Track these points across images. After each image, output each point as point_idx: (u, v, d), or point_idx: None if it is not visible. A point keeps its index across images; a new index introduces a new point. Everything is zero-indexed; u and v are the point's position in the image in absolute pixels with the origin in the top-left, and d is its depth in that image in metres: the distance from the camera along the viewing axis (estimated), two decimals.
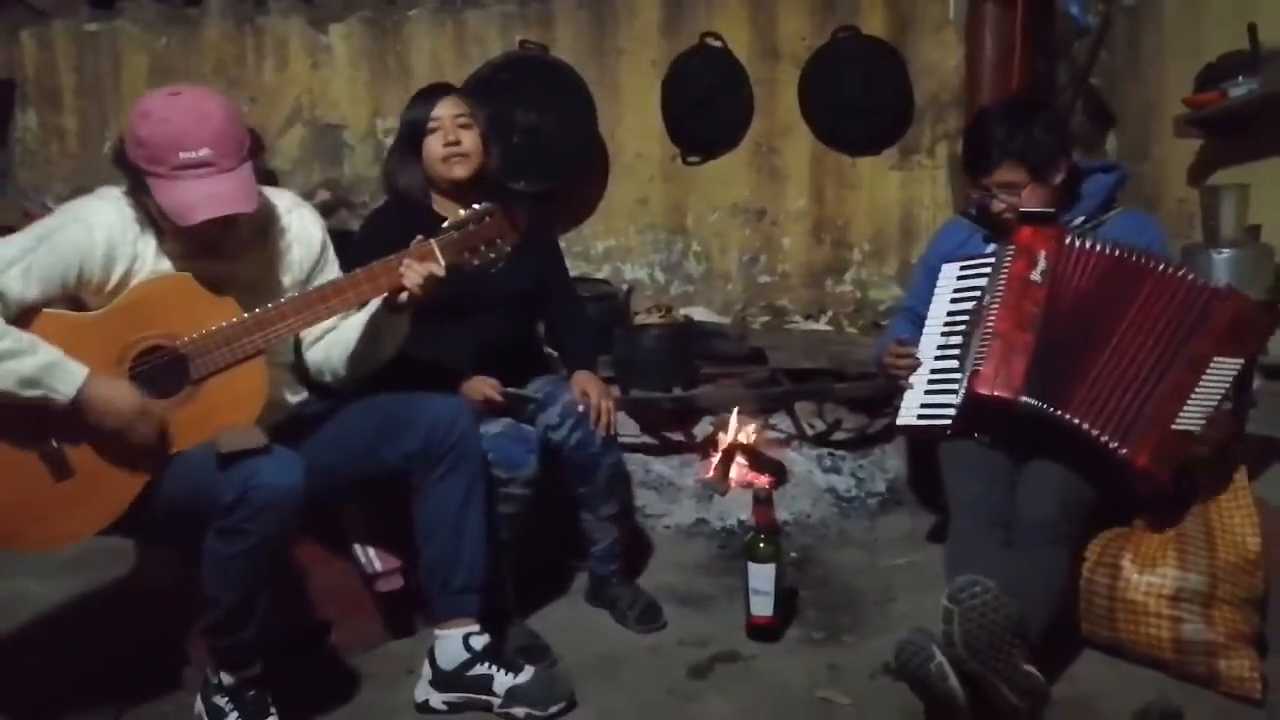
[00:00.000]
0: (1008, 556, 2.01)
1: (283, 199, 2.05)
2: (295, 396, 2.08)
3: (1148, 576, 2.04)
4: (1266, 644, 2.04)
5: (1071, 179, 2.32)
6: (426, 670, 2.03)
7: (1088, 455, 2.07)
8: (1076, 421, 2.02)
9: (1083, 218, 2.30)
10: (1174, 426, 1.99)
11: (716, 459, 3.20)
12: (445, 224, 1.93)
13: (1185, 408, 2.00)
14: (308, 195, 3.64)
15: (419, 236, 1.91)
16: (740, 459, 3.21)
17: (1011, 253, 2.18)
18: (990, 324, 2.14)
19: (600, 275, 3.90)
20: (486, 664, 1.99)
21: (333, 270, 2.09)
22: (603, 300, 3.54)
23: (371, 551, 2.26)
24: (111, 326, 1.78)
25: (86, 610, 2.41)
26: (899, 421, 2.34)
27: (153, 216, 1.82)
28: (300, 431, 2.01)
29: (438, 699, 2.01)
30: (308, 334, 2.07)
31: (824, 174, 3.95)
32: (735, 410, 3.17)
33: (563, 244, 3.77)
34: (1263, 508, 2.06)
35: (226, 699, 1.85)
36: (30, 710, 1.99)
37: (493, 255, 1.94)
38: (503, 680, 1.97)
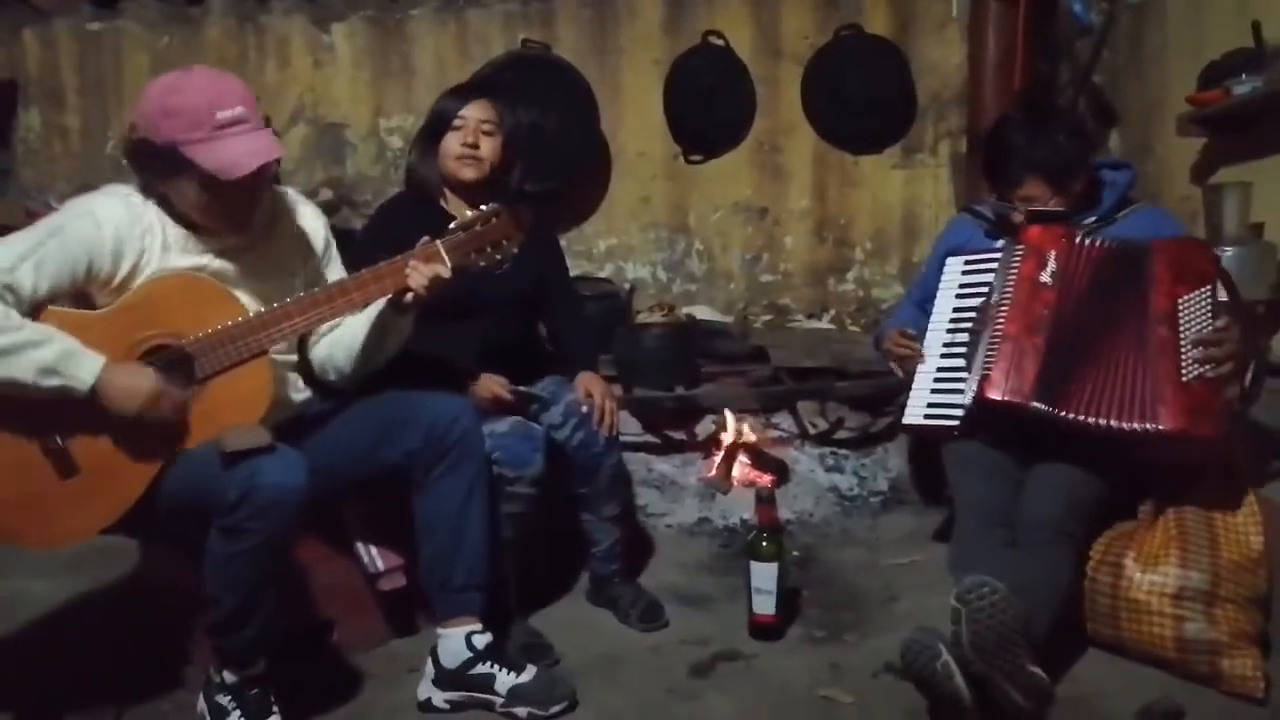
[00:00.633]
0: (1012, 556, 2.01)
1: (287, 196, 2.06)
2: (299, 395, 2.08)
3: (1150, 575, 2.03)
4: (1270, 643, 2.03)
5: (1090, 183, 2.30)
6: (429, 669, 2.03)
7: (1093, 454, 2.06)
8: (1092, 420, 2.01)
9: (1094, 218, 2.29)
10: (1184, 379, 1.98)
11: (719, 458, 3.20)
12: (452, 225, 1.93)
13: (1182, 358, 1.99)
14: (310, 194, 3.63)
15: (425, 238, 1.91)
16: (742, 458, 3.21)
17: (1020, 252, 2.17)
18: (999, 326, 2.13)
19: (602, 274, 3.90)
20: (489, 663, 1.99)
21: (336, 267, 2.10)
22: (605, 299, 3.54)
23: (374, 550, 2.26)
24: (118, 324, 1.78)
25: (88, 609, 2.41)
26: (905, 421, 2.33)
27: (173, 206, 1.84)
28: (303, 430, 2.01)
29: (440, 698, 2.01)
30: (311, 333, 2.08)
31: (826, 173, 3.95)
32: (726, 410, 3.17)
33: (565, 243, 3.78)
34: (1266, 506, 2.06)
35: (229, 697, 1.84)
36: (32, 709, 1.99)
37: (499, 256, 1.94)
38: (505, 679, 1.97)
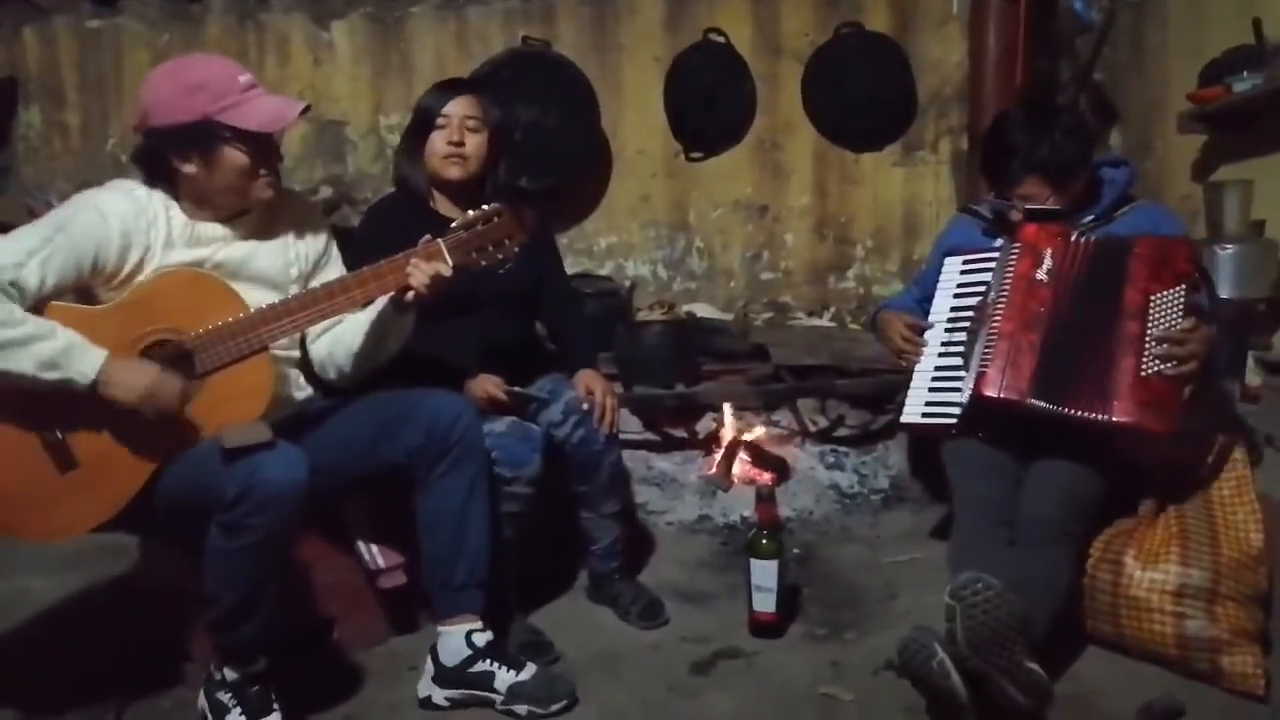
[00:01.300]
0: (1011, 554, 2.01)
1: (288, 194, 2.08)
2: (301, 393, 2.09)
3: (1151, 573, 2.04)
4: (1270, 640, 2.04)
5: (1089, 181, 2.30)
6: (429, 666, 2.03)
7: (1093, 451, 2.06)
8: (1071, 413, 2.02)
9: (1092, 216, 2.29)
10: (1144, 374, 2.00)
11: (719, 455, 3.20)
12: (454, 224, 1.93)
13: (1145, 354, 2.01)
14: (310, 192, 3.65)
15: (427, 236, 1.91)
16: (743, 455, 3.21)
17: (1017, 250, 2.18)
18: (996, 324, 2.13)
19: (602, 272, 3.89)
20: (488, 661, 1.99)
21: (336, 265, 2.10)
22: (605, 297, 3.53)
23: (374, 548, 2.27)
24: (119, 320, 1.78)
25: (88, 607, 2.41)
26: (903, 420, 2.33)
27: (188, 194, 1.88)
28: (304, 427, 2.01)
29: (440, 695, 2.01)
30: (312, 330, 2.08)
31: (827, 170, 3.94)
32: (726, 406, 3.17)
33: (565, 241, 3.80)
34: (1266, 504, 2.06)
35: (229, 695, 1.85)
36: (32, 707, 1.99)
37: (500, 256, 1.94)
38: (505, 677, 1.97)
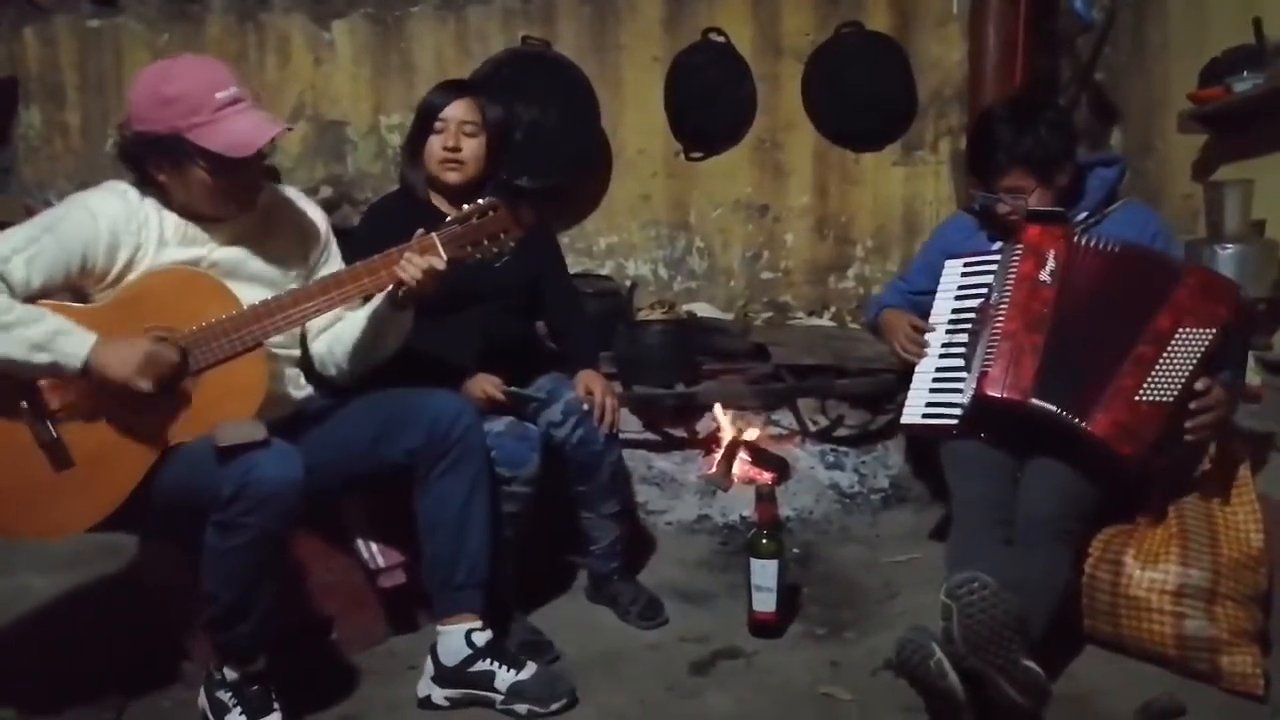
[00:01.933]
0: (1009, 553, 2.01)
1: (287, 193, 2.08)
2: (300, 392, 2.09)
3: (1150, 573, 2.03)
4: (1270, 640, 2.03)
5: (1076, 175, 2.32)
6: (428, 666, 2.03)
7: (1090, 452, 2.06)
8: (1065, 415, 2.01)
9: (1085, 213, 2.30)
10: (1138, 399, 1.99)
11: (719, 455, 3.20)
12: (449, 218, 1.93)
13: (1148, 380, 1.99)
14: (310, 191, 3.64)
15: (420, 230, 1.91)
16: (743, 455, 3.21)
17: (1019, 252, 2.18)
18: (998, 324, 2.13)
19: (603, 271, 3.90)
20: (488, 660, 1.99)
21: (336, 263, 2.10)
22: (605, 297, 3.53)
23: (374, 547, 2.27)
24: (112, 318, 1.78)
25: (87, 606, 2.40)
26: (904, 421, 2.34)
27: (173, 199, 1.86)
28: (304, 426, 2.01)
29: (440, 695, 2.01)
30: (311, 327, 2.08)
31: (827, 170, 3.94)
32: (717, 405, 3.17)
33: (565, 240, 3.80)
34: (1266, 504, 2.06)
35: (229, 694, 1.85)
36: (32, 705, 1.99)
37: (496, 250, 1.93)
38: (504, 677, 1.97)
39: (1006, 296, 2.16)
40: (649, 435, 3.20)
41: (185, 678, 2.07)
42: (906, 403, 2.33)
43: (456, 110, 2.35)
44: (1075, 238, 2.16)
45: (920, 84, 3.85)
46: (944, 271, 2.38)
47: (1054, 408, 2.02)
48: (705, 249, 3.99)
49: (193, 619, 1.93)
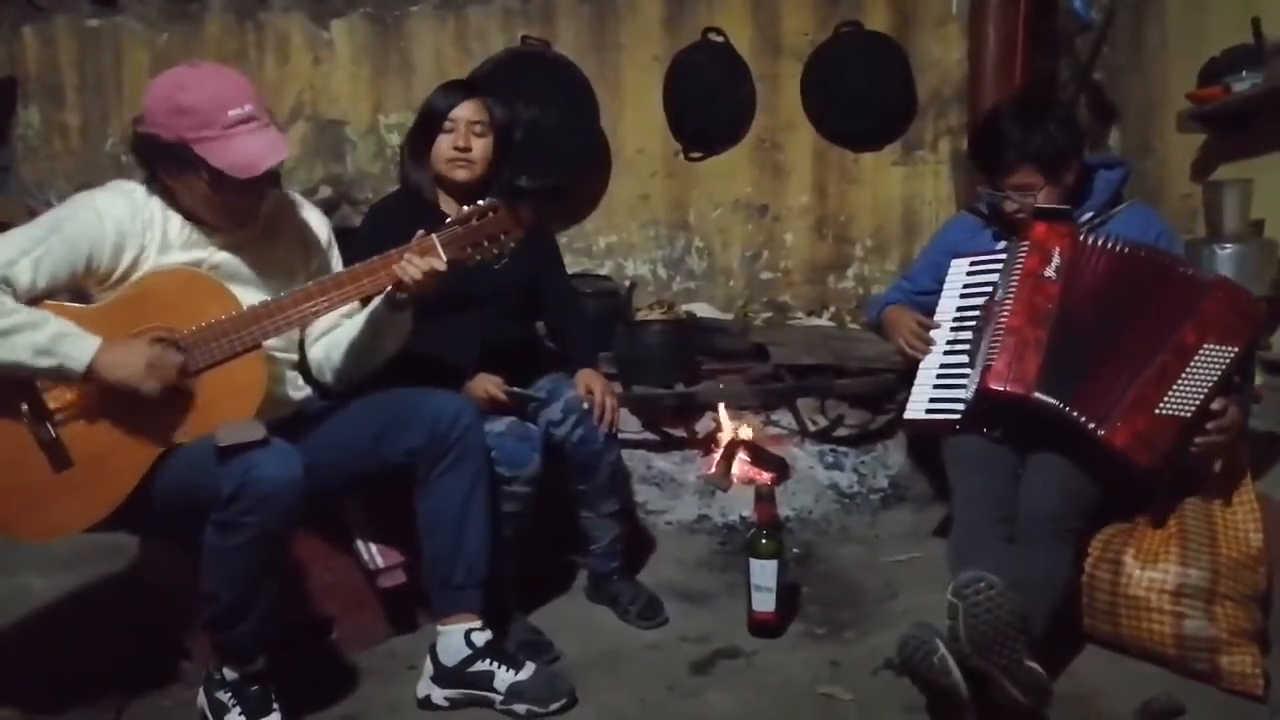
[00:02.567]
0: (1011, 551, 2.01)
1: (290, 196, 2.08)
2: (299, 393, 2.09)
3: (1150, 572, 2.04)
4: (1269, 640, 2.04)
5: (1080, 175, 2.32)
6: (428, 666, 2.03)
7: (1091, 449, 2.06)
8: (1074, 414, 2.01)
9: (1091, 213, 2.31)
10: (1158, 411, 1.98)
11: (718, 455, 3.20)
12: (448, 220, 1.93)
13: (1171, 393, 1.99)
14: (309, 191, 3.64)
15: (420, 231, 1.91)
16: (742, 455, 3.21)
17: (1025, 248, 2.17)
18: (1003, 319, 2.13)
19: (602, 271, 3.89)
20: (488, 660, 1.99)
21: (338, 267, 2.09)
22: (604, 296, 3.53)
23: (374, 547, 2.27)
24: (112, 318, 1.78)
25: (87, 606, 2.40)
26: (907, 415, 2.34)
27: (178, 201, 1.86)
28: (304, 427, 2.01)
29: (439, 695, 2.01)
30: (310, 331, 2.08)
31: (826, 170, 3.94)
32: (721, 406, 3.17)
33: (564, 240, 3.80)
34: (1266, 504, 2.06)
35: (229, 694, 1.85)
36: (32, 705, 1.99)
37: (496, 251, 1.94)
38: (504, 677, 1.97)
39: (1011, 292, 2.15)
40: (648, 435, 3.20)
41: (185, 678, 2.07)
42: (910, 398, 2.33)
43: (466, 110, 2.35)
44: (1081, 236, 2.16)
45: (919, 84, 3.85)
46: (949, 270, 2.39)
47: (1069, 410, 2.01)
48: (704, 249, 3.99)
49: (193, 619, 1.93)
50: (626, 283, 3.85)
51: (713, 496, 3.15)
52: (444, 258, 1.89)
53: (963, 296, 2.33)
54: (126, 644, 2.13)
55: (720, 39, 3.80)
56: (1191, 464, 2.07)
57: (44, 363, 1.67)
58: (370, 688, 2.10)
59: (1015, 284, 2.15)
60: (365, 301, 2.02)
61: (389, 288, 1.91)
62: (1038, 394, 2.04)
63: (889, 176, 3.94)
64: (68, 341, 1.69)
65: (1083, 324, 2.09)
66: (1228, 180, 2.79)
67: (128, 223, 1.82)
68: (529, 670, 1.99)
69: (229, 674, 1.85)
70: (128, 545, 2.31)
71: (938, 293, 2.41)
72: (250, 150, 1.79)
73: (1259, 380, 2.50)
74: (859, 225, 3.98)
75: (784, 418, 3.28)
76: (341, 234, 2.20)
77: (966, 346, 2.23)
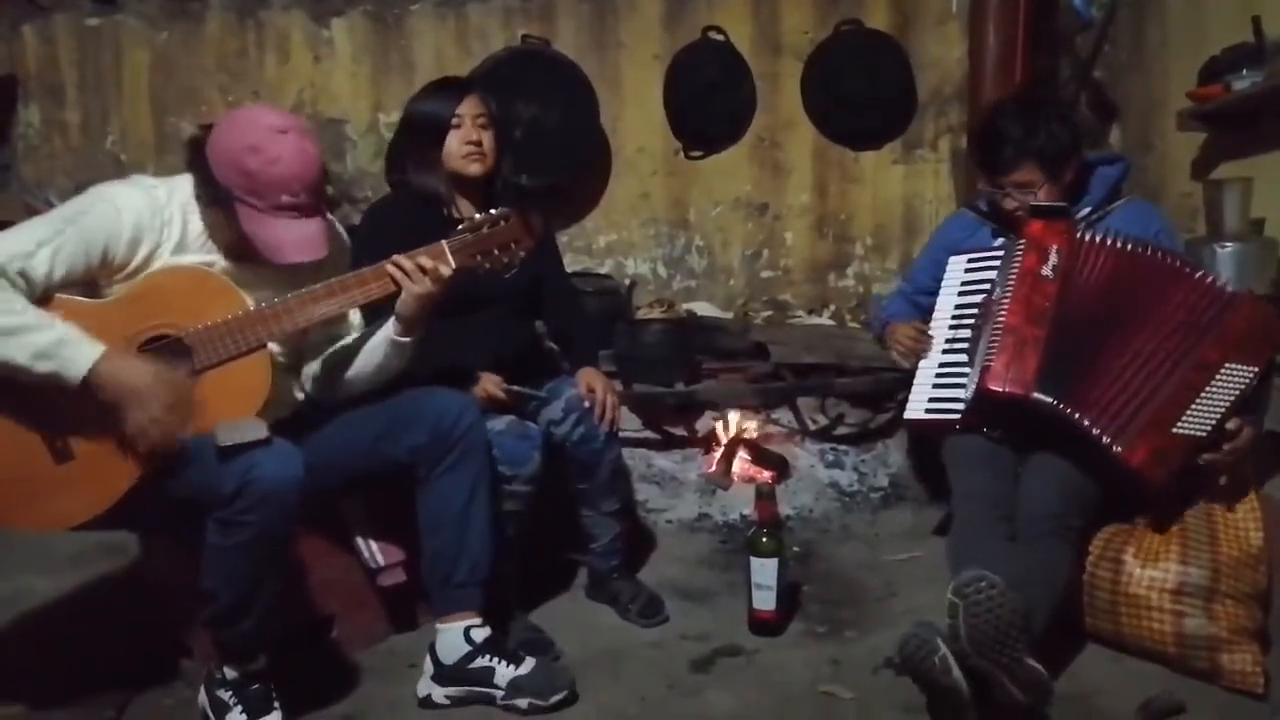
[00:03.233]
0: (1011, 550, 2.01)
1: None
2: (301, 394, 2.09)
3: (1150, 571, 2.04)
4: (1269, 638, 2.04)
5: (1080, 172, 2.32)
6: (428, 665, 2.03)
7: (1092, 449, 2.06)
8: (1078, 417, 2.01)
9: (1088, 209, 2.30)
10: (1175, 430, 1.98)
11: (719, 454, 3.20)
12: (460, 226, 1.94)
13: (1189, 412, 1.99)
14: None
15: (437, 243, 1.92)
16: (743, 454, 3.22)
17: (1022, 247, 2.17)
18: (1001, 318, 2.13)
19: (602, 270, 3.89)
20: (488, 656, 1.99)
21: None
22: (605, 295, 3.53)
23: (374, 546, 2.27)
24: (120, 313, 1.78)
25: (89, 605, 2.41)
26: (907, 415, 2.34)
27: (203, 214, 1.87)
28: (306, 426, 2.01)
29: (440, 693, 2.01)
30: (310, 349, 2.07)
31: (826, 168, 3.94)
32: (729, 410, 3.17)
33: (564, 239, 3.80)
34: (1266, 503, 2.06)
35: (230, 693, 1.85)
36: (34, 704, 1.99)
37: (505, 260, 1.95)
38: (504, 672, 1.98)
39: (1009, 291, 2.15)
40: (649, 434, 3.20)
41: (186, 676, 2.08)
42: (910, 397, 2.33)
43: (469, 106, 2.34)
44: (1078, 233, 2.16)
45: (920, 82, 3.85)
46: (947, 267, 2.39)
47: (1074, 414, 2.00)
48: (705, 247, 3.99)
49: (194, 617, 1.93)
50: (627, 281, 3.85)
51: (713, 495, 3.15)
52: (452, 264, 1.90)
53: (960, 294, 2.33)
54: (128, 643, 2.14)
55: (720, 37, 3.80)
56: (1196, 476, 2.07)
57: (41, 367, 1.66)
58: (371, 686, 2.10)
59: (1013, 282, 2.15)
60: (366, 311, 2.02)
61: (396, 297, 1.92)
62: (1037, 394, 2.04)
63: (889, 175, 3.94)
64: (69, 348, 1.67)
65: (1082, 323, 2.09)
66: (1228, 179, 2.79)
67: (146, 219, 1.82)
68: (529, 665, 1.99)
69: (230, 672, 1.85)
70: (129, 544, 2.31)
71: (938, 292, 2.41)
72: (283, 239, 1.80)
73: None
74: (859, 224, 3.98)
75: (784, 416, 3.28)
76: None
77: (965, 345, 2.23)
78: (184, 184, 1.90)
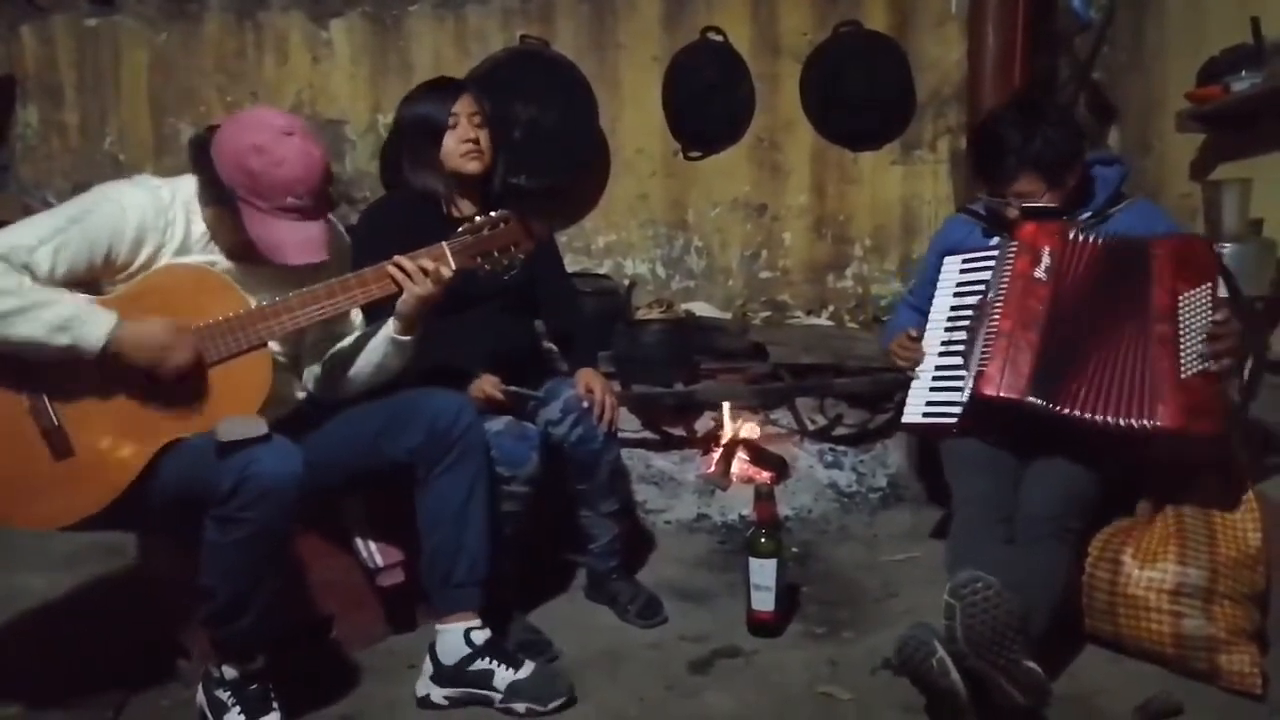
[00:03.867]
0: (1010, 552, 2.01)
1: None
2: (301, 392, 2.09)
3: (1149, 572, 2.04)
4: (1267, 639, 2.04)
5: (1083, 176, 2.31)
6: (427, 665, 2.03)
7: (1090, 449, 2.07)
8: (1089, 416, 2.01)
9: (1088, 213, 2.29)
10: (1183, 376, 1.98)
11: (718, 454, 3.20)
12: (460, 229, 1.94)
13: (1181, 354, 1.99)
14: None
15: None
16: (741, 454, 3.22)
17: (1015, 249, 2.17)
18: (994, 322, 2.13)
19: (601, 270, 3.90)
20: (487, 659, 1.99)
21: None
22: (604, 296, 3.53)
23: (373, 546, 2.26)
24: (123, 311, 1.78)
25: (87, 604, 2.41)
26: (904, 420, 2.34)
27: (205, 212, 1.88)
28: (305, 425, 2.01)
29: (438, 694, 2.01)
30: (310, 350, 2.07)
31: (825, 169, 3.94)
32: (725, 405, 3.17)
33: (564, 239, 3.80)
34: (1264, 503, 2.06)
35: (228, 692, 1.84)
36: (32, 703, 1.99)
37: (506, 262, 1.96)
38: (503, 675, 1.97)
39: (1002, 294, 2.15)
40: (648, 434, 3.21)
41: (184, 676, 2.07)
42: (907, 401, 2.33)
43: (464, 105, 2.34)
44: (1071, 234, 2.16)
45: (919, 83, 3.86)
46: (943, 268, 2.38)
47: (1079, 411, 2.01)
48: (703, 248, 4.00)
49: (192, 617, 1.93)
50: (626, 282, 3.86)
51: (712, 495, 3.15)
52: (453, 266, 1.91)
53: (956, 295, 2.33)
54: (126, 643, 2.14)
55: (719, 38, 3.80)
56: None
57: (60, 339, 1.67)
58: (369, 687, 2.10)
59: (1006, 285, 2.15)
60: (366, 311, 2.02)
61: (398, 297, 1.92)
62: (1031, 398, 2.04)
63: (888, 176, 3.94)
64: (84, 317, 1.69)
65: (1073, 323, 2.09)
66: (1227, 180, 2.79)
67: (151, 219, 1.82)
68: (528, 669, 1.99)
69: (228, 672, 1.84)
70: (127, 544, 2.31)
71: None
72: (285, 239, 1.81)
73: None
74: (858, 225, 3.98)
75: (783, 417, 3.28)
76: None
77: (961, 347, 2.23)
78: (187, 184, 1.90)
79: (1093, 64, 3.68)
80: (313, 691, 2.01)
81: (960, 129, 3.81)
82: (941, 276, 2.38)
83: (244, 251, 1.88)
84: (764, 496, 2.30)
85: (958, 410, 2.19)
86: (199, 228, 1.89)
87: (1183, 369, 1.98)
